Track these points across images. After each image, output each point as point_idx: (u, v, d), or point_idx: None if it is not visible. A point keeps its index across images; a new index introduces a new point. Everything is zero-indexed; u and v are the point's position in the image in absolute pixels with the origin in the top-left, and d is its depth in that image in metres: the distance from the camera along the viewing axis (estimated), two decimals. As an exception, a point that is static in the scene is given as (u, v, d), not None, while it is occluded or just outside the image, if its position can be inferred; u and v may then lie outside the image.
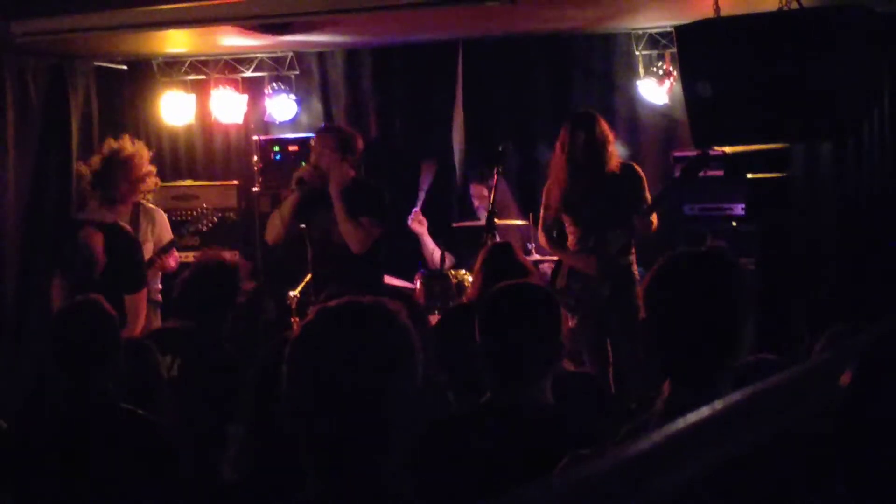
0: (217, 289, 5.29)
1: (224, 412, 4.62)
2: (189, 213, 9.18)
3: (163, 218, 8.08)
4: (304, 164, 8.30)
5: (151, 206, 8.09)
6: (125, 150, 7.36)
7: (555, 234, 7.45)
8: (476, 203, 9.20)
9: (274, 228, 7.47)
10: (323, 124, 8.02)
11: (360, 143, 7.46)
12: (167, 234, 7.92)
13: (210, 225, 7.89)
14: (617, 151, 7.35)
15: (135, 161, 7.35)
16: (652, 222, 7.01)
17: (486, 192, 8.45)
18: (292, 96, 10.13)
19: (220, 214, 8.45)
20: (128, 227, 7.18)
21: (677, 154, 8.49)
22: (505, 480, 3.21)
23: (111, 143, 7.43)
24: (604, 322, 7.10)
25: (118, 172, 7.25)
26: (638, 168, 7.37)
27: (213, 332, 5.22)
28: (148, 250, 7.60)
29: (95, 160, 7.41)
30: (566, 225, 7.35)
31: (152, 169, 7.53)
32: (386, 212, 7.34)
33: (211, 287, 5.27)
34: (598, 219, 7.11)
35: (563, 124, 7.37)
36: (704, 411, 1.14)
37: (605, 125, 7.25)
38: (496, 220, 7.60)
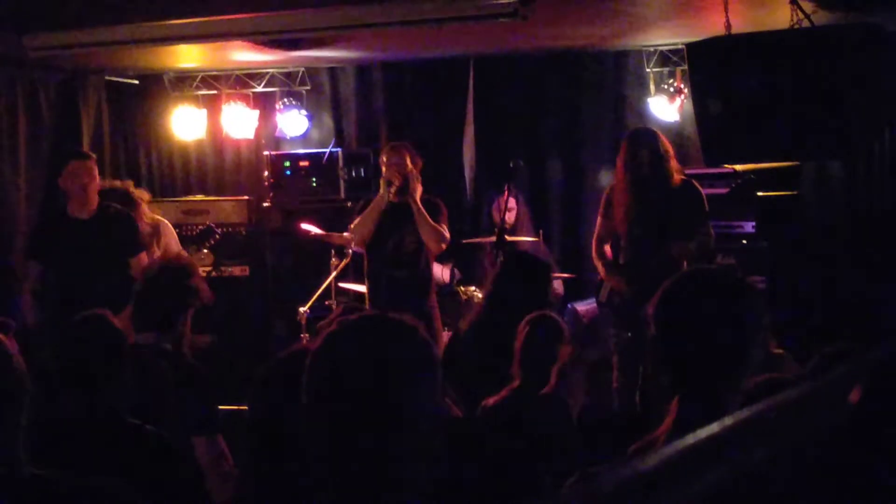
0: (168, 300, 5.20)
1: (191, 426, 4.61)
2: (195, 228, 9.23)
3: (168, 228, 8.11)
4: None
5: (157, 217, 8.12)
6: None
7: (605, 247, 7.44)
8: (496, 217, 9.12)
9: (364, 231, 7.76)
10: (393, 142, 8.22)
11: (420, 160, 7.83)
12: (174, 245, 7.94)
13: (213, 241, 7.90)
14: (678, 167, 7.31)
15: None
16: (691, 250, 6.94)
17: (511, 205, 8.46)
18: (303, 112, 10.15)
19: (221, 230, 8.39)
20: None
21: (688, 172, 8.47)
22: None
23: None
24: (641, 339, 7.05)
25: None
26: (697, 185, 7.32)
27: (173, 343, 5.17)
28: None
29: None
30: (621, 238, 7.32)
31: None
32: (444, 212, 7.74)
33: (160, 299, 5.19)
34: (656, 234, 7.06)
35: (624, 140, 7.37)
36: (714, 428, 1.14)
37: (665, 140, 7.24)
38: (507, 238, 7.62)
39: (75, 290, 6.78)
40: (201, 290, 5.29)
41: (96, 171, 7.19)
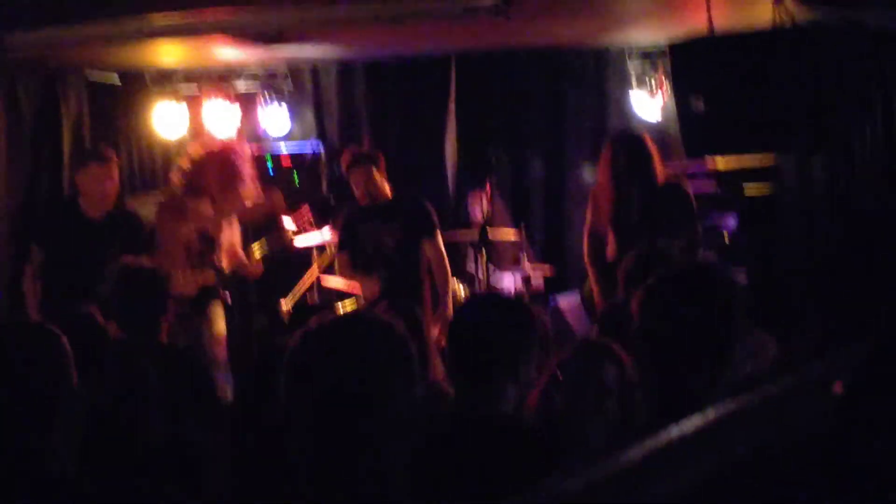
0: (148, 305, 5.22)
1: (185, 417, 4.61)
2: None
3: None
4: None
5: None
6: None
7: (596, 244, 7.44)
8: (474, 212, 9.10)
9: None
10: (354, 151, 8.02)
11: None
12: (238, 243, 8.02)
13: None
14: (663, 167, 7.31)
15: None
16: (677, 248, 6.93)
17: (485, 200, 8.43)
18: (285, 110, 10.12)
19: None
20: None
21: (670, 165, 8.47)
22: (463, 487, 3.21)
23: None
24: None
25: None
26: (685, 186, 7.33)
27: (149, 340, 5.18)
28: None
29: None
30: (609, 236, 7.32)
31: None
32: (436, 222, 7.70)
33: (138, 298, 5.20)
34: (640, 235, 7.07)
35: (606, 143, 7.40)
36: (697, 420, 1.14)
37: (648, 142, 7.24)
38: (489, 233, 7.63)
39: (71, 285, 6.77)
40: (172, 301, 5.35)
41: (116, 173, 7.16)
